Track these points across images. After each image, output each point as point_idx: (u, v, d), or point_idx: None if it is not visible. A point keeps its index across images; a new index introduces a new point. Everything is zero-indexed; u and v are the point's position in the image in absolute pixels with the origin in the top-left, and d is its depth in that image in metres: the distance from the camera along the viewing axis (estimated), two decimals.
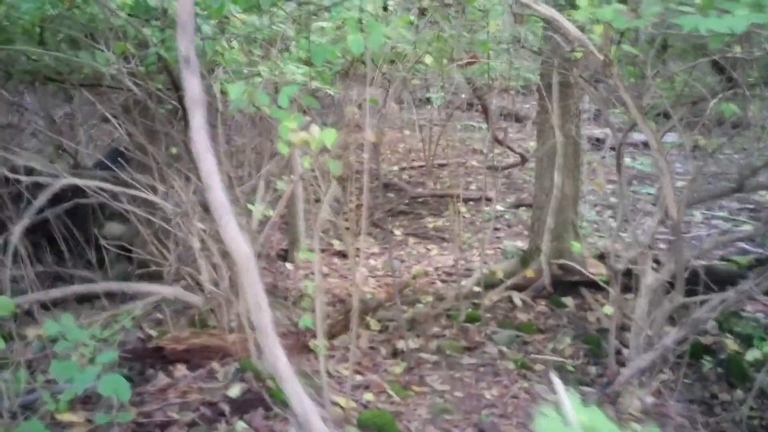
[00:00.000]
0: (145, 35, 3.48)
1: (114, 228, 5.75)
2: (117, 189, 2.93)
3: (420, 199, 7.62)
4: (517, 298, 4.73)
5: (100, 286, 3.06)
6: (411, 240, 6.52)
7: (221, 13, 3.45)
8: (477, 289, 4.70)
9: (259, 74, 3.84)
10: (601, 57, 2.61)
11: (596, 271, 4.35)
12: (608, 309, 3.81)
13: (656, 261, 4.00)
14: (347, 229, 6.60)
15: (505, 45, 4.65)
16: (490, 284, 4.73)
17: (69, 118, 7.42)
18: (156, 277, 5.19)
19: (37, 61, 4.18)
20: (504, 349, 4.13)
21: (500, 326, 4.38)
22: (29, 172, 4.37)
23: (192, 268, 3.94)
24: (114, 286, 2.92)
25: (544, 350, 4.14)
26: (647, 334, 3.32)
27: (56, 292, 3.02)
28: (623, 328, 3.96)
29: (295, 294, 4.98)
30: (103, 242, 4.12)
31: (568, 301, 4.68)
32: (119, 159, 6.43)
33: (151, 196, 3.49)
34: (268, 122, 4.87)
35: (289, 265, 5.82)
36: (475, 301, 4.64)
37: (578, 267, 4.30)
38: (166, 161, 4.14)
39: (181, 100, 3.62)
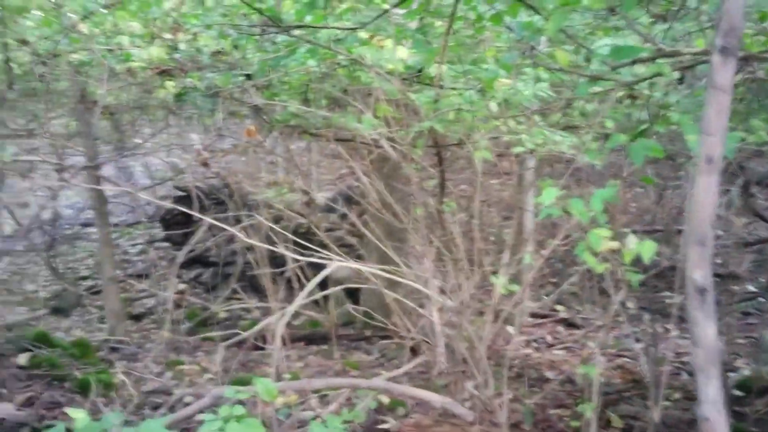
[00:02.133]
0: (413, 102, 3.41)
1: (341, 271, 5.85)
2: (371, 269, 2.82)
3: (653, 270, 6.97)
4: None
5: (364, 382, 2.99)
6: (645, 315, 5.93)
7: None
8: (739, 393, 4.08)
9: (521, 143, 3.64)
10: None
11: None
12: None
13: None
14: (574, 294, 6.18)
15: None
16: (759, 386, 4.06)
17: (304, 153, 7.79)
18: (383, 337, 5.19)
19: (298, 116, 4.30)
20: None
21: None
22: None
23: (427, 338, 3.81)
24: (380, 384, 2.82)
25: None
26: None
27: (319, 383, 3.00)
28: None
29: (518, 363, 4.70)
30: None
31: None
32: (347, 202, 6.62)
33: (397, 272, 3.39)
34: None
35: (510, 329, 5.53)
36: (737, 408, 4.02)
37: None
38: (411, 224, 4.07)
39: (442, 175, 3.49)
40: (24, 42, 4.15)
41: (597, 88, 3.13)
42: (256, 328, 3.07)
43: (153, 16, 3.56)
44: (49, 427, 2.62)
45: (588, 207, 2.06)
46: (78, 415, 1.81)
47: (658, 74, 2.95)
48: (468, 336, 3.29)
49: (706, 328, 1.27)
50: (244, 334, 3.09)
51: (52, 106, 5.26)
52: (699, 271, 1.21)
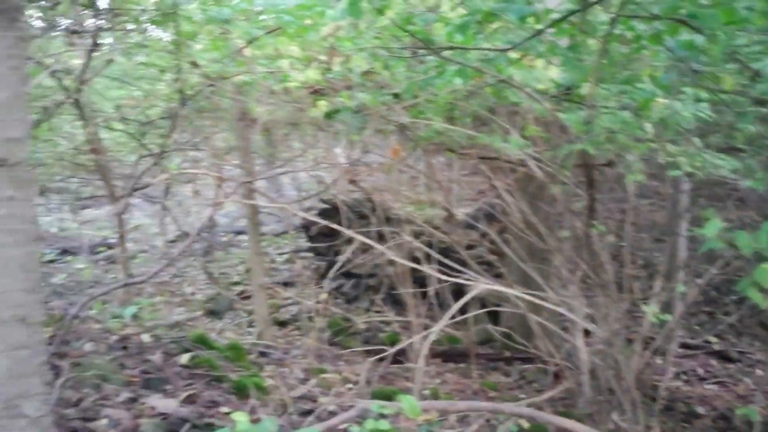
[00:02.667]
0: (562, 122, 3.35)
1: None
2: (515, 292, 2.78)
3: None
4: None
5: (508, 407, 2.96)
6: None
7: None
8: None
9: (677, 166, 3.47)
10: None
11: None
12: None
13: None
14: (730, 326, 5.76)
15: None
16: None
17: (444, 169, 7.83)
18: (524, 359, 5.11)
19: (443, 134, 4.35)
20: None
21: None
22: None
23: (570, 363, 3.71)
24: (525, 411, 2.79)
25: None
26: None
27: (463, 405, 3.01)
28: None
29: (667, 395, 4.44)
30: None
31: None
32: (488, 220, 6.57)
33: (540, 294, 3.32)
34: None
35: (659, 359, 5.26)
36: None
37: None
38: (556, 246, 3.98)
39: (591, 197, 3.40)
40: (195, 64, 4.51)
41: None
42: (401, 345, 3.13)
43: (310, 41, 3.75)
44: (209, 426, 2.82)
45: (756, 240, 1.93)
46: (240, 417, 1.94)
47: None
48: (616, 365, 3.16)
49: None
50: (390, 351, 3.16)
51: (215, 123, 5.66)
52: None
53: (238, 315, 7.08)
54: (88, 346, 3.48)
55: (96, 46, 4.07)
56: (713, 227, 1.89)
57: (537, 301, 3.12)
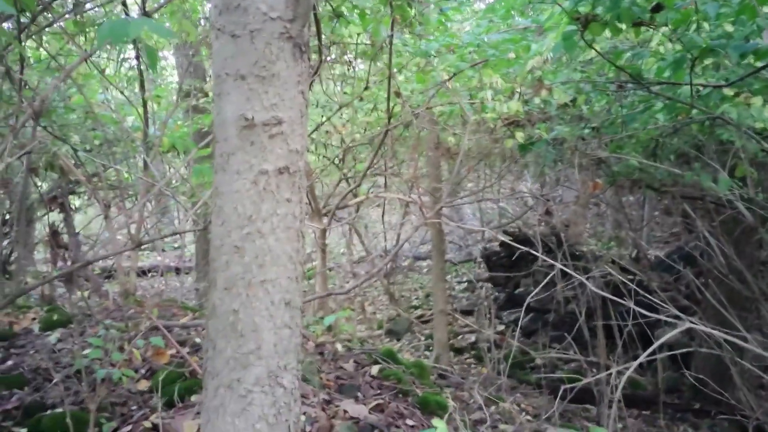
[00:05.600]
0: None
1: (668, 333, 5.54)
2: (732, 338, 2.64)
3: None
4: None
5: None
6: None
7: None
8: None
9: None
10: None
11: None
12: None
13: None
14: None
15: None
16: None
17: (636, 207, 7.58)
18: (717, 412, 4.78)
19: (643, 170, 4.24)
20: None
21: None
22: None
23: None
24: None
25: None
26: None
27: None
28: None
29: None
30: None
31: None
32: (684, 262, 6.23)
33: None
34: None
35: None
36: None
37: None
38: (764, 294, 3.72)
39: None
40: (397, 94, 4.79)
41: None
42: (585, 381, 3.09)
43: (514, 73, 3.86)
44: None
45: None
46: (440, 425, 2.05)
47: None
48: None
49: None
50: (578, 386, 3.13)
51: (411, 151, 5.94)
52: None
53: (416, 337, 7.28)
54: None
55: (315, 72, 4.48)
56: None
57: (745, 345, 2.94)
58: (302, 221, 1.36)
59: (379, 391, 3.64)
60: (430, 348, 6.63)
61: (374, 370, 3.81)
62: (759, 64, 3.03)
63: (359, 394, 3.57)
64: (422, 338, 7.18)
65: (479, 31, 4.32)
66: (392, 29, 3.79)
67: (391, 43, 3.80)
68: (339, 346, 4.10)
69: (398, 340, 7.14)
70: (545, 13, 3.66)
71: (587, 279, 3.06)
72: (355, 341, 4.75)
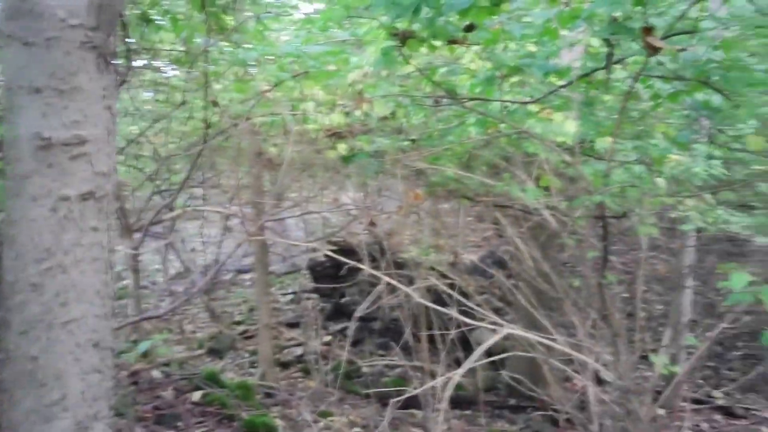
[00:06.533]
0: (582, 175, 3.42)
1: (485, 335, 5.85)
2: (543, 340, 2.81)
3: None
4: None
5: None
6: None
7: None
8: None
9: (689, 221, 3.54)
10: None
11: None
12: None
13: None
14: (734, 381, 5.76)
15: None
16: None
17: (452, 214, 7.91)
18: (530, 407, 5.10)
19: (458, 180, 4.43)
20: None
21: None
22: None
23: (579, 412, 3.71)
24: None
25: None
26: None
27: None
28: None
29: None
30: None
31: None
32: (496, 266, 6.61)
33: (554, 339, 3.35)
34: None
35: (661, 411, 5.25)
36: None
37: None
38: (567, 294, 4.02)
39: (605, 248, 3.45)
40: (216, 104, 4.60)
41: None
42: (416, 390, 3.15)
43: (335, 85, 3.86)
44: None
45: None
46: None
47: None
48: (627, 416, 3.18)
49: None
50: (400, 396, 3.17)
51: (230, 162, 5.75)
52: None
53: (240, 355, 7.05)
54: None
55: (123, 82, 4.17)
56: (740, 281, 1.95)
57: (553, 344, 3.15)
58: (112, 251, 1.21)
59: (202, 419, 3.45)
60: (255, 365, 6.45)
61: (196, 396, 3.60)
62: (560, 83, 3.28)
63: (180, 423, 3.36)
64: (247, 355, 6.97)
65: (298, 42, 4.28)
66: (208, 36, 3.63)
67: (207, 50, 3.63)
68: (156, 373, 3.83)
69: (221, 358, 6.87)
70: (363, 27, 3.70)
71: (412, 289, 3.11)
72: (173, 365, 4.47)
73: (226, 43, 4.33)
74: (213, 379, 3.92)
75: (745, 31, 2.71)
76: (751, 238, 3.20)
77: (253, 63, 4.16)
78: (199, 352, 7.06)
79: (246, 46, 4.33)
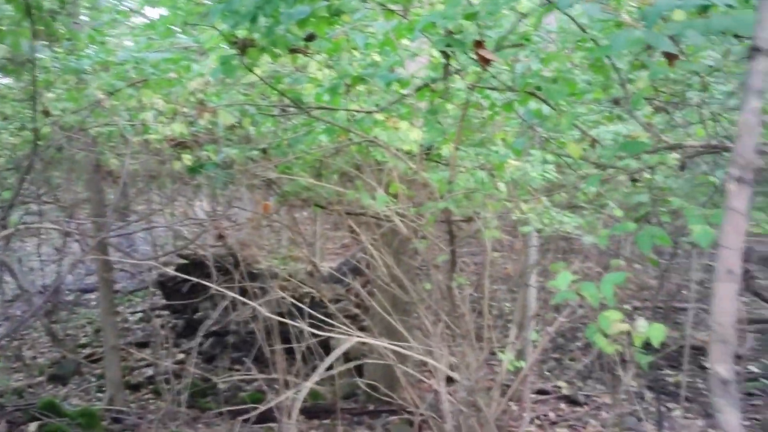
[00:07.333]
0: (425, 180, 3.52)
1: (343, 344, 5.87)
2: (381, 343, 2.86)
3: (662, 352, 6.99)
4: None
5: None
6: (647, 393, 5.93)
7: None
8: None
9: (528, 223, 3.74)
10: None
11: None
12: None
13: None
14: (575, 370, 6.16)
15: None
16: None
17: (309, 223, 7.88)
18: (388, 411, 5.17)
19: (310, 189, 4.41)
20: None
21: None
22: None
23: (434, 412, 3.81)
24: None
25: None
26: None
27: None
28: None
29: None
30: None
31: None
32: (352, 274, 6.67)
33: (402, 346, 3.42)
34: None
35: (513, 404, 5.51)
36: None
37: None
38: (419, 298, 4.12)
39: (453, 252, 3.57)
40: (47, 114, 4.28)
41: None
42: (268, 404, 3.08)
43: (176, 94, 3.71)
44: None
45: (599, 291, 2.14)
46: None
47: (661, 163, 3.10)
48: (478, 412, 3.30)
49: (730, 415, 1.35)
50: (254, 410, 3.10)
51: (68, 175, 5.37)
52: (722, 366, 1.31)
53: (86, 379, 6.60)
54: None
55: None
56: (564, 279, 2.07)
57: (404, 351, 3.21)
58: None
59: None
60: (103, 389, 6.06)
61: (32, 428, 3.32)
62: (403, 92, 3.35)
63: None
64: (93, 379, 6.54)
65: (138, 48, 4.07)
66: (33, 42, 3.36)
67: (32, 58, 3.37)
68: None
69: (64, 385, 6.39)
70: (207, 32, 3.58)
71: (261, 304, 3.06)
72: (8, 396, 4.10)
73: (59, 50, 4.05)
74: (51, 409, 3.63)
75: (566, 45, 2.91)
76: (581, 237, 3.43)
77: (88, 71, 3.91)
78: (40, 379, 6.54)
79: (83, 53, 4.07)
